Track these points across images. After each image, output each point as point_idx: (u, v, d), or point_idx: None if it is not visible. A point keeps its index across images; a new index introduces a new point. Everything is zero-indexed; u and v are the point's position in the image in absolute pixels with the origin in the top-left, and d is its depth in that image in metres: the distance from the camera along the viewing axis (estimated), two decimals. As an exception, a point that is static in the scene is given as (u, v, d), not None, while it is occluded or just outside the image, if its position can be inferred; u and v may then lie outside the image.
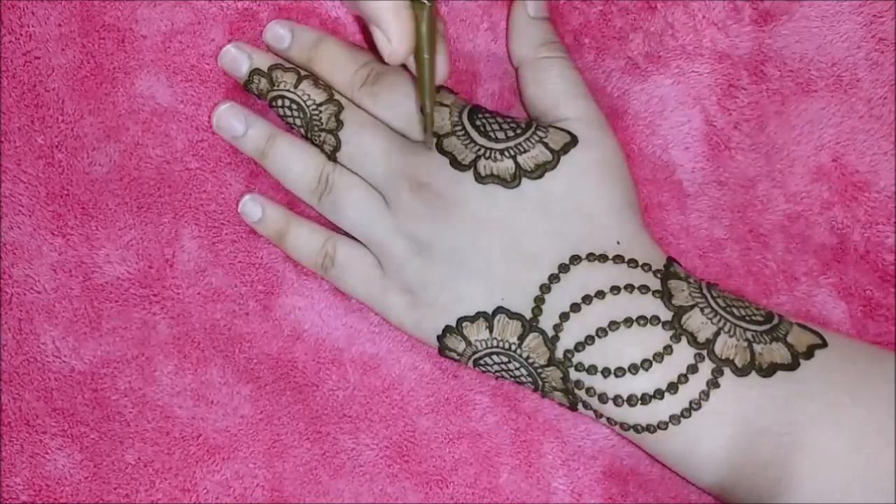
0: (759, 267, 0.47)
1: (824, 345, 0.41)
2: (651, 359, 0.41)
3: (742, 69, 0.48)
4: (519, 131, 0.45)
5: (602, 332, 0.42)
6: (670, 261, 0.44)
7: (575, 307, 0.43)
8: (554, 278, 0.43)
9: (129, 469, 0.47)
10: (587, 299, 0.43)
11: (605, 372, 0.42)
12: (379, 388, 0.47)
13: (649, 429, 0.42)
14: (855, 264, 0.47)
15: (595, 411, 0.43)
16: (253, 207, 0.48)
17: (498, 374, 0.45)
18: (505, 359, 0.44)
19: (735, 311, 0.43)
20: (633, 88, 0.49)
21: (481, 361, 0.45)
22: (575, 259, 0.43)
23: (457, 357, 0.45)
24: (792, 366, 0.41)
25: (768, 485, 0.40)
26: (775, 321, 0.42)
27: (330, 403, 0.47)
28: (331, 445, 0.47)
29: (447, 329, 0.44)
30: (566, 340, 0.43)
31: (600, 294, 0.43)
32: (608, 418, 0.43)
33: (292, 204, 0.49)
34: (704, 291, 0.43)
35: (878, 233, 0.47)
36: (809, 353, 0.41)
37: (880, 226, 0.47)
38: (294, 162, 0.47)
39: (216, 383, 0.47)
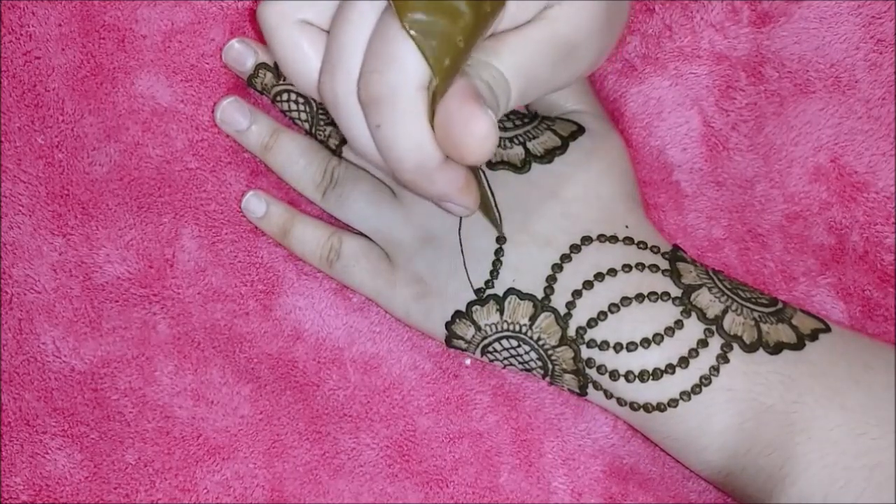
0: (757, 267, 0.48)
1: (828, 330, 0.42)
2: (662, 333, 0.42)
3: (740, 70, 0.48)
4: (527, 120, 0.46)
5: (614, 307, 0.43)
6: (676, 247, 0.45)
7: (587, 284, 0.43)
8: (566, 258, 0.43)
9: (129, 469, 0.47)
10: (599, 277, 0.43)
11: (618, 347, 0.42)
12: (379, 388, 0.48)
13: (660, 407, 0.42)
14: (854, 264, 0.47)
15: (605, 391, 0.43)
16: (257, 204, 0.48)
17: (506, 360, 0.45)
18: (514, 342, 0.44)
19: (741, 293, 0.43)
20: (630, 90, 0.49)
21: (490, 348, 0.45)
22: (586, 240, 0.44)
23: (464, 346, 0.45)
24: (798, 346, 0.41)
25: (773, 469, 0.40)
26: (780, 305, 0.43)
27: (330, 403, 0.47)
28: (331, 445, 0.47)
29: (457, 314, 0.44)
30: (579, 317, 0.43)
31: (612, 272, 0.43)
32: (618, 398, 0.43)
33: (294, 204, 0.49)
34: (711, 274, 0.44)
35: (877, 233, 0.47)
36: (814, 336, 0.42)
37: (879, 226, 0.47)
38: (298, 156, 0.47)
39: (216, 383, 0.47)
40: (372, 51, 0.34)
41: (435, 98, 0.34)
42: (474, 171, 0.39)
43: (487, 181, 0.43)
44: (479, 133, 0.34)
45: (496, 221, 0.44)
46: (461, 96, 0.34)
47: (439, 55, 0.33)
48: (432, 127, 0.35)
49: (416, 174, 0.36)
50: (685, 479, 0.47)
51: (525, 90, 0.37)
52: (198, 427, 0.47)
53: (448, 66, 0.34)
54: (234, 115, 0.48)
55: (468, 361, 0.48)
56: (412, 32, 0.33)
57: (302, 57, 0.38)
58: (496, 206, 0.44)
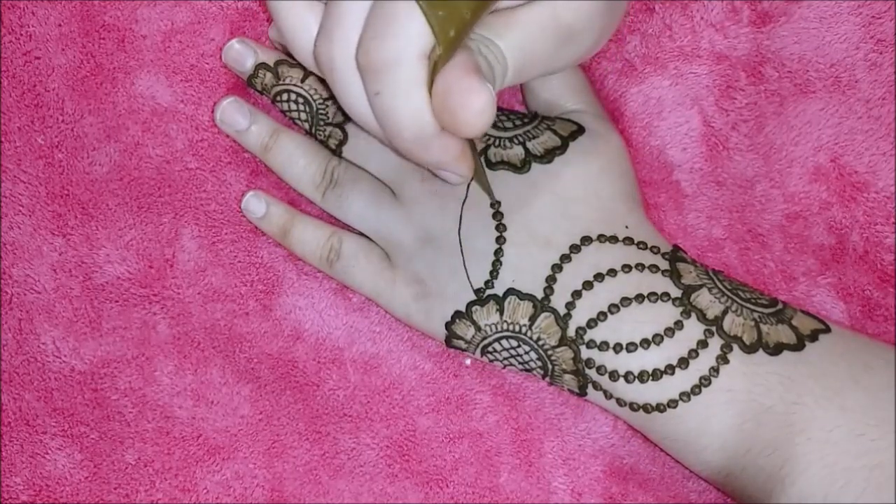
0: (757, 267, 0.48)
1: (828, 330, 0.42)
2: (662, 334, 0.42)
3: (740, 70, 0.48)
4: (526, 120, 0.46)
5: (614, 308, 0.43)
6: (676, 247, 0.44)
7: (587, 285, 0.43)
8: (565, 258, 0.43)
9: (129, 469, 0.47)
10: (599, 277, 0.43)
11: (617, 347, 0.42)
12: (379, 388, 0.48)
13: (659, 408, 0.42)
14: (854, 264, 0.47)
15: (605, 392, 0.43)
16: (257, 204, 0.48)
17: (506, 360, 0.45)
18: (514, 343, 0.44)
19: (741, 293, 0.43)
20: (630, 90, 0.49)
21: (489, 348, 0.45)
22: (586, 240, 0.44)
23: (464, 346, 0.45)
24: (798, 346, 0.41)
25: (773, 469, 0.40)
26: (780, 306, 0.43)
27: (330, 403, 0.47)
28: (331, 445, 0.47)
29: (456, 315, 0.44)
30: (578, 318, 0.43)
31: (612, 272, 0.43)
32: (618, 399, 0.43)
33: (294, 204, 0.49)
34: (711, 274, 0.44)
35: (877, 233, 0.47)
36: (814, 337, 0.42)
37: (879, 226, 0.47)
38: (298, 156, 0.47)
39: (216, 383, 0.47)
40: (374, 17, 0.34)
41: (436, 68, 0.34)
42: (471, 144, 0.39)
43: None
44: (477, 107, 0.34)
45: (487, 187, 0.44)
46: (461, 69, 0.34)
47: (445, 26, 0.33)
48: (430, 96, 0.35)
49: (414, 143, 0.36)
50: (685, 479, 0.47)
51: (521, 69, 0.37)
52: (198, 427, 0.47)
53: (453, 38, 0.34)
54: (234, 115, 0.48)
55: (468, 361, 0.48)
56: (420, 2, 0.33)
57: (306, 31, 0.38)
58: (485, 171, 0.44)
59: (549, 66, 0.39)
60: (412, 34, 0.33)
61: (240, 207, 0.48)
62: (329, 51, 0.36)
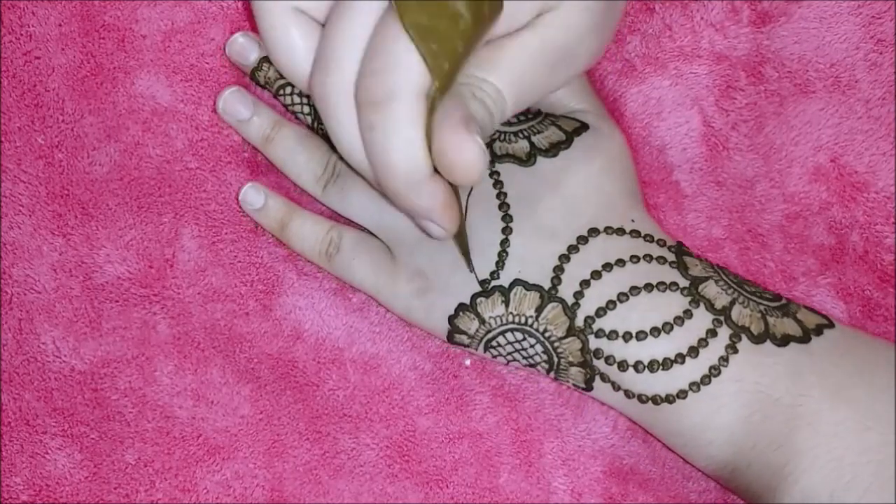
0: (757, 267, 0.48)
1: (832, 326, 0.42)
2: (672, 322, 0.42)
3: (740, 70, 0.48)
4: (531, 116, 0.46)
5: (623, 296, 0.43)
6: (680, 243, 0.45)
7: (595, 274, 0.43)
8: (573, 249, 0.43)
9: (129, 469, 0.47)
10: (607, 267, 0.43)
11: (627, 336, 0.42)
12: (379, 388, 0.48)
13: (668, 399, 0.42)
14: (854, 264, 0.47)
15: (613, 383, 0.43)
16: (255, 196, 0.48)
17: (510, 356, 0.45)
18: (520, 336, 0.44)
19: (746, 287, 0.43)
20: (630, 90, 0.49)
21: (493, 343, 0.45)
22: (593, 232, 0.44)
23: (467, 341, 0.45)
24: (804, 338, 0.41)
25: (778, 465, 0.40)
26: (784, 301, 0.43)
27: (330, 403, 0.47)
28: (331, 445, 0.47)
29: (460, 308, 0.44)
30: (587, 307, 0.43)
31: (620, 262, 0.43)
32: (626, 391, 0.43)
33: (294, 202, 0.49)
34: (716, 269, 0.44)
35: (877, 233, 0.47)
36: (819, 331, 0.42)
37: (879, 226, 0.47)
38: (300, 150, 0.47)
39: (216, 383, 0.47)
40: (373, 51, 0.34)
41: (433, 105, 0.35)
42: (458, 199, 0.39)
43: (465, 213, 0.44)
44: (468, 159, 0.35)
45: (466, 251, 0.44)
46: (452, 124, 0.35)
47: (439, 59, 0.33)
48: (426, 135, 0.35)
49: (404, 182, 0.36)
50: (685, 479, 0.47)
51: (520, 98, 0.38)
52: (198, 427, 0.47)
53: (447, 71, 0.34)
54: (237, 105, 0.48)
55: (468, 362, 0.48)
56: (412, 34, 0.33)
57: (290, 44, 0.38)
58: (468, 239, 0.44)
59: (549, 88, 0.39)
60: (411, 70, 0.34)
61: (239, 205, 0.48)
62: (324, 83, 0.36)
